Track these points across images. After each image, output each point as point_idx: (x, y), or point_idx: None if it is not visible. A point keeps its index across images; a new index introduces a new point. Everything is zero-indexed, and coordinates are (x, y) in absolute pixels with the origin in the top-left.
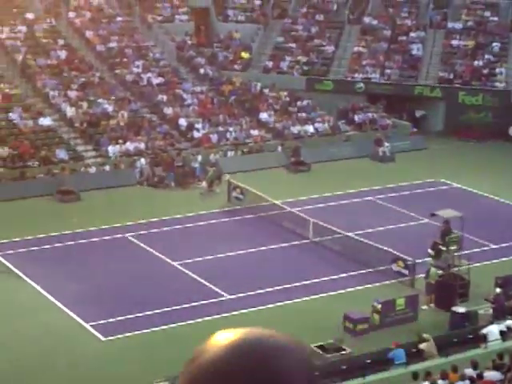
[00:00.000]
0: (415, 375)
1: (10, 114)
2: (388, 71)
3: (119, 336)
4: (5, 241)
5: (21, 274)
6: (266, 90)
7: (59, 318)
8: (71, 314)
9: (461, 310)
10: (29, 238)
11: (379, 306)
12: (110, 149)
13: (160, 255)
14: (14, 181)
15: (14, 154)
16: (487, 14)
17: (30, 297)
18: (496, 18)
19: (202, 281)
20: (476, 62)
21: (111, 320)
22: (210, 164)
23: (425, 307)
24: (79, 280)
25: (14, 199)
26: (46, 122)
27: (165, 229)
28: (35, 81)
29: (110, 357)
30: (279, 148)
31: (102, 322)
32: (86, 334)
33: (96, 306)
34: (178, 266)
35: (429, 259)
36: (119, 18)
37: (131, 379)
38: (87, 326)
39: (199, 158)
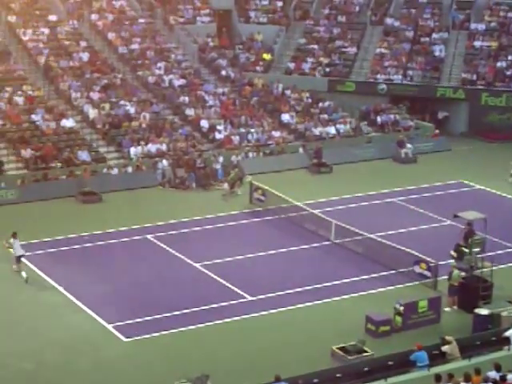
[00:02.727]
0: (438, 377)
1: (33, 115)
2: (410, 72)
3: (141, 337)
4: (28, 242)
5: (44, 276)
6: (288, 92)
7: (82, 319)
8: (93, 315)
9: (484, 312)
10: (51, 239)
11: (401, 308)
12: (132, 150)
13: (182, 256)
14: (37, 182)
15: (36, 156)
16: (510, 15)
17: (52, 298)
18: None
19: (224, 282)
20: (499, 64)
21: (133, 321)
22: (232, 165)
23: (447, 309)
24: (102, 281)
25: (37, 200)
26: (68, 123)
27: (187, 230)
28: (58, 83)
29: (132, 358)
30: (301, 149)
31: (124, 323)
32: (109, 335)
33: (118, 307)
34: (200, 268)
35: (451, 261)
36: (141, 20)
37: (153, 380)
38: (110, 327)
39: (221, 159)
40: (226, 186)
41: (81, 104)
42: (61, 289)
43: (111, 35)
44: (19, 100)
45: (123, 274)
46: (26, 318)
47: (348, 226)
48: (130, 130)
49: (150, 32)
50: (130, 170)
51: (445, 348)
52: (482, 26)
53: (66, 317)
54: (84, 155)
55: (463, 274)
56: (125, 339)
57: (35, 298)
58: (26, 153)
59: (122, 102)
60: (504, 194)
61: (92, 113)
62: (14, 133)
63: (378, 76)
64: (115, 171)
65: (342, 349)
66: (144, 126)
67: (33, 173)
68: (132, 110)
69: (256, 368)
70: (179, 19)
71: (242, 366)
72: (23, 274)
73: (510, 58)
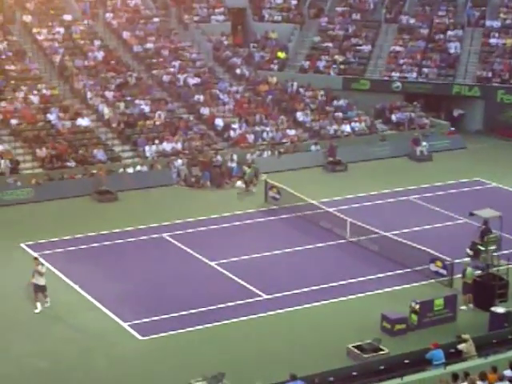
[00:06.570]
0: (454, 376)
1: (48, 115)
2: (425, 70)
3: (157, 335)
4: (44, 241)
5: (59, 274)
6: (303, 90)
7: (97, 317)
8: (109, 313)
9: (500, 310)
10: (67, 238)
11: (417, 307)
12: (147, 149)
13: (197, 255)
14: (52, 181)
15: (52, 155)
16: None
17: (68, 297)
18: None
19: (239, 281)
20: None
21: (149, 319)
22: (247, 164)
23: (463, 307)
24: (118, 280)
25: (53, 199)
26: (83, 122)
27: (202, 228)
28: (73, 82)
29: (148, 356)
30: (313, 147)
31: (139, 321)
32: (125, 333)
33: (134, 306)
34: (215, 266)
35: (466, 259)
36: (156, 19)
37: (168, 378)
38: (125, 325)
39: (236, 157)
40: (240, 184)
41: (96, 103)
42: (76, 287)
43: (126, 34)
44: (34, 99)
45: (139, 272)
46: (41, 317)
47: (363, 225)
48: (145, 129)
49: (164, 31)
50: (145, 168)
51: (461, 346)
52: (497, 23)
53: (82, 315)
54: (99, 154)
55: (478, 271)
56: (140, 337)
57: (51, 297)
58: (42, 152)
59: (136, 101)
60: None
61: (107, 112)
62: (30, 132)
63: (393, 74)
64: (130, 170)
65: (357, 347)
66: (159, 124)
67: (48, 172)
68: (147, 109)
69: (271, 366)
70: (194, 18)
71: (258, 364)
72: (39, 305)
73: None
